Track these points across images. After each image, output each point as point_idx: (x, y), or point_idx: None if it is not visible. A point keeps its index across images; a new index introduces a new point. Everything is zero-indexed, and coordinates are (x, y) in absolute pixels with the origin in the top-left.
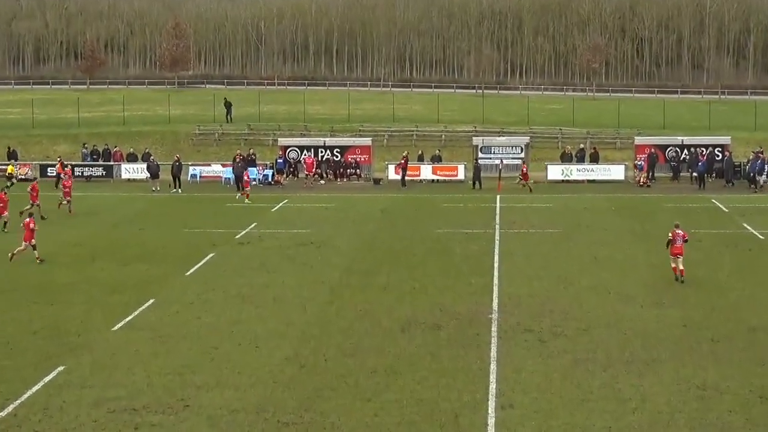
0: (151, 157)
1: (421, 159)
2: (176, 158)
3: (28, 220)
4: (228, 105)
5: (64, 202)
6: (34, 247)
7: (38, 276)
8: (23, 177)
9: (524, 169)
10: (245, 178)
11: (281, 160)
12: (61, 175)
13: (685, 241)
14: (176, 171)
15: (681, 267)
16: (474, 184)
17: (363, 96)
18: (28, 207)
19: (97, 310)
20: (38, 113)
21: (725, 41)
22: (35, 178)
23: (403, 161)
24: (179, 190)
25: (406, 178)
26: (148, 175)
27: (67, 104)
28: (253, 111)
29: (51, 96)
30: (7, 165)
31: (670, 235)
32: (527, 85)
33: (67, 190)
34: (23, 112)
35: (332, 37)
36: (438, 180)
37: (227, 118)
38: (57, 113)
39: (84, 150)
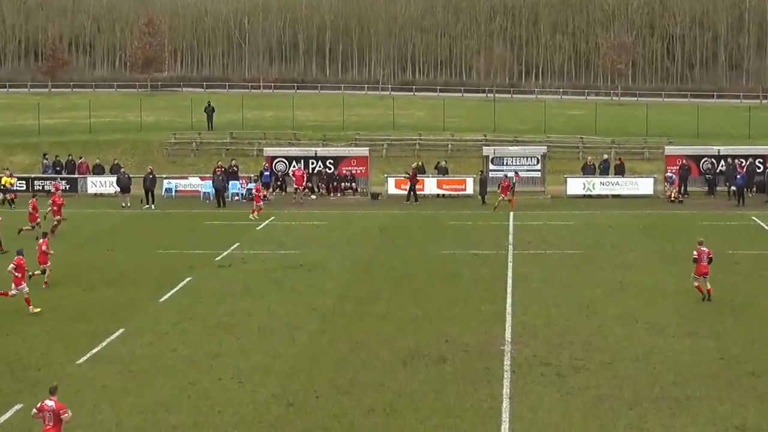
0: (122, 169)
1: (421, 171)
2: (149, 170)
3: (41, 241)
4: (210, 110)
5: (54, 221)
6: (43, 272)
7: None
8: None
9: (506, 183)
10: (255, 192)
11: (267, 173)
12: (52, 190)
13: (710, 259)
14: (149, 185)
15: (708, 286)
16: (483, 199)
17: (359, 101)
18: (28, 227)
19: (59, 341)
20: None
21: (767, 39)
22: (35, 195)
23: (412, 172)
24: (152, 206)
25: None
26: (118, 189)
27: (25, 109)
28: (236, 117)
29: (7, 100)
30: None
31: (695, 253)
32: (544, 88)
33: (56, 208)
34: None
35: (325, 34)
36: (444, 195)
37: (209, 126)
38: (14, 120)
39: (45, 161)
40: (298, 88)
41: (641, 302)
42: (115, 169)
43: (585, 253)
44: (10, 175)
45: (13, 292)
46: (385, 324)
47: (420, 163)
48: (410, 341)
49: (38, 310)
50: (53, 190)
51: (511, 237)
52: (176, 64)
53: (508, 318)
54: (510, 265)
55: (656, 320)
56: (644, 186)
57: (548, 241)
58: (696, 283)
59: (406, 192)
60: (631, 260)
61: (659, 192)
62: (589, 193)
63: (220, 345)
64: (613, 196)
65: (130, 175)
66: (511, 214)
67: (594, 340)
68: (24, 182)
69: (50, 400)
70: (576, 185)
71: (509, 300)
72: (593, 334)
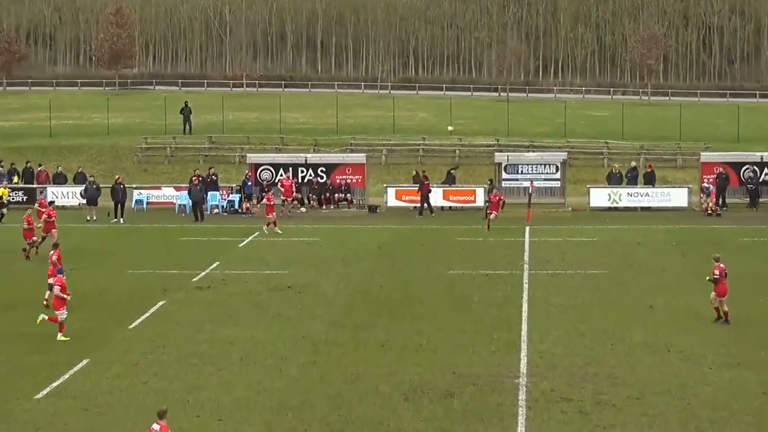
0: (90, 178)
1: (416, 181)
2: (118, 180)
3: (52, 252)
4: (187, 111)
5: (39, 239)
6: (50, 287)
7: None
8: None
9: (496, 197)
10: (266, 201)
11: (251, 183)
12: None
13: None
14: (119, 196)
15: (725, 308)
16: (487, 213)
17: (355, 100)
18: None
19: (15, 373)
20: None
21: None
22: (28, 210)
23: (422, 177)
24: (121, 219)
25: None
26: (83, 201)
27: None
28: (216, 119)
29: None
30: None
31: (716, 272)
32: (564, 86)
33: (51, 221)
34: None
35: (316, 25)
36: (451, 207)
37: (185, 128)
38: None
39: (1, 167)
40: (285, 87)
41: (674, 329)
42: (80, 178)
43: (610, 274)
44: (5, 186)
45: (63, 316)
46: (385, 354)
47: (416, 172)
48: (413, 373)
49: (67, 338)
50: (37, 206)
51: (526, 255)
52: (148, 60)
53: (524, 347)
54: (525, 287)
55: (691, 349)
56: (677, 197)
57: (569, 260)
58: (715, 305)
59: (411, 203)
60: (663, 281)
61: (694, 204)
62: (614, 205)
63: (197, 377)
64: (642, 208)
65: (99, 185)
66: (527, 229)
67: (621, 372)
68: None
69: (157, 424)
70: (600, 196)
71: (525, 327)
72: (620, 365)
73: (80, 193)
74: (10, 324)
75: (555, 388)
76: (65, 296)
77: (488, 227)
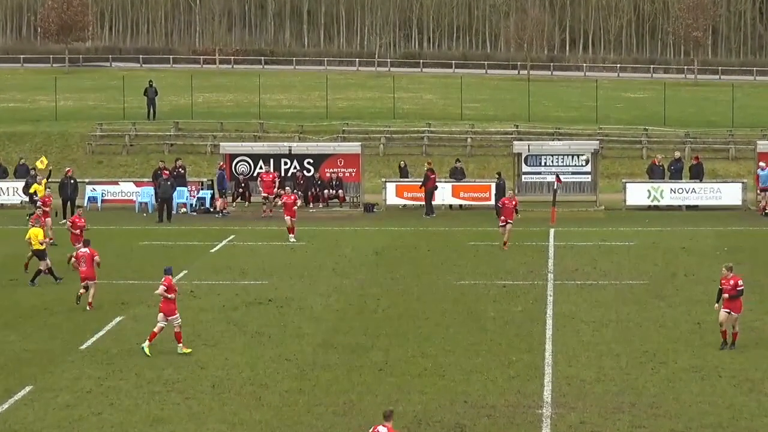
0: (32, 172)
1: (404, 174)
2: (67, 173)
3: (87, 251)
4: (153, 93)
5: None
6: (86, 288)
7: None
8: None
9: (511, 202)
10: (284, 199)
11: (225, 176)
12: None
13: (740, 291)
14: (69, 193)
15: (737, 328)
16: (498, 213)
17: (348, 80)
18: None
19: None
20: None
21: None
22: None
23: (427, 173)
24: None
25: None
26: (26, 199)
27: None
28: (183, 102)
29: None
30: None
31: (730, 284)
32: (595, 63)
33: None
34: None
35: None
36: (461, 205)
37: (149, 113)
38: None
39: None
40: (266, 64)
41: (725, 350)
42: (21, 172)
43: (650, 285)
44: (40, 182)
45: (161, 324)
46: (383, 380)
47: (404, 163)
48: (416, 403)
49: (189, 351)
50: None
51: (551, 262)
52: (103, 32)
53: (548, 372)
54: (550, 300)
55: (745, 374)
56: (729, 194)
57: (601, 269)
58: (724, 327)
59: (414, 201)
60: (712, 294)
61: (750, 202)
62: (655, 203)
63: (161, 408)
64: (688, 207)
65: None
66: (551, 231)
67: (662, 400)
68: None
69: (383, 426)
70: (638, 193)
71: (549, 348)
72: (661, 392)
73: (22, 189)
74: None
75: (585, 420)
76: (171, 296)
77: (505, 245)
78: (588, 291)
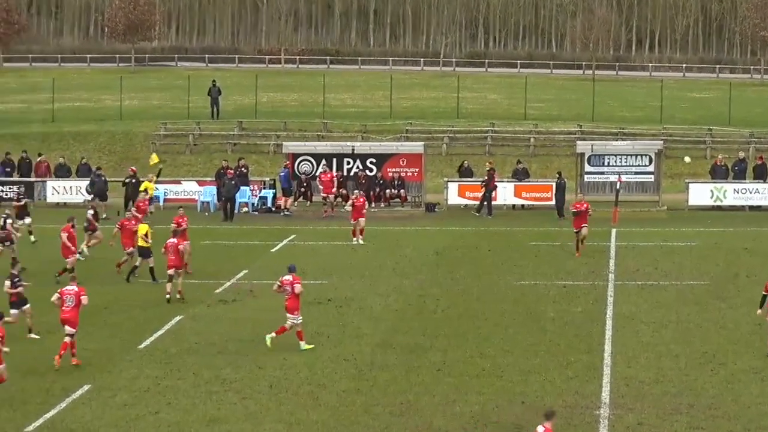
0: (98, 171)
1: (466, 173)
2: (131, 172)
3: (175, 241)
4: (216, 92)
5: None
6: (170, 278)
7: None
8: None
9: (582, 206)
10: (354, 201)
11: (289, 176)
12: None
13: None
14: (131, 192)
15: None
16: (559, 213)
17: (413, 79)
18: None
19: (2, 401)
20: None
21: None
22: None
23: (489, 172)
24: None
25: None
26: (89, 198)
27: None
28: (247, 101)
29: None
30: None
31: None
32: (660, 62)
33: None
34: None
35: None
36: (523, 206)
37: (213, 112)
38: None
39: None
40: (331, 63)
41: None
42: (82, 171)
43: (712, 286)
44: (151, 179)
45: (289, 323)
46: (441, 380)
47: (467, 163)
48: (474, 404)
49: (311, 347)
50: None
51: (612, 263)
52: (170, 31)
53: (606, 372)
54: (610, 300)
55: None
56: None
57: (662, 269)
58: None
59: (476, 201)
60: None
61: None
62: (718, 203)
63: (218, 408)
64: (751, 207)
65: (108, 179)
66: (613, 232)
67: (721, 402)
68: None
69: (542, 426)
70: (701, 193)
71: (608, 348)
72: (720, 393)
73: (86, 187)
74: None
75: (643, 421)
76: (288, 289)
77: (578, 250)
78: (649, 292)
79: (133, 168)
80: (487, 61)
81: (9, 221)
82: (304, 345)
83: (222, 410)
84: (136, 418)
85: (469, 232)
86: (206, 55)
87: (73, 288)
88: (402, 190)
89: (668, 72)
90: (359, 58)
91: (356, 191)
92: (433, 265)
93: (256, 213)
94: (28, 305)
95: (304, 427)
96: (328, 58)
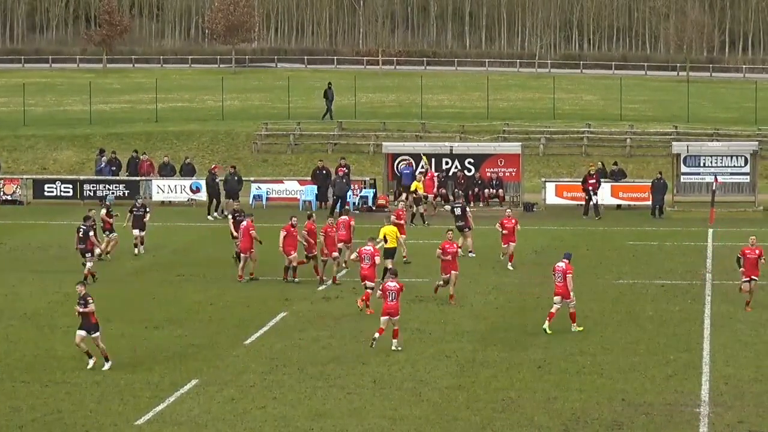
0: (231, 169)
1: (603, 174)
2: (231, 170)
3: (246, 224)
4: (332, 94)
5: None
6: (237, 257)
7: (28, 347)
8: (9, 198)
9: (751, 252)
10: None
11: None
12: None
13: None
14: (230, 188)
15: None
16: (654, 211)
17: (509, 81)
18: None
19: (113, 395)
20: (32, 104)
21: None
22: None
23: (596, 175)
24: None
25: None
26: (192, 196)
27: (73, 91)
28: (347, 102)
29: (50, 79)
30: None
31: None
32: (755, 64)
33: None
34: (9, 102)
35: None
36: (620, 205)
37: (328, 113)
38: (58, 104)
39: (101, 158)
40: (428, 65)
41: None
42: (185, 171)
43: None
44: (419, 179)
45: (557, 305)
46: (542, 377)
47: (601, 164)
48: (574, 401)
49: (581, 329)
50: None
51: (709, 262)
52: (269, 33)
53: (705, 371)
54: (708, 300)
55: None
56: None
57: (762, 268)
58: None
59: (574, 201)
60: None
61: None
62: None
63: (323, 402)
64: None
65: (241, 176)
66: (710, 232)
67: None
68: (70, 186)
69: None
70: None
71: (707, 347)
72: None
73: (222, 184)
74: (104, 340)
75: (743, 419)
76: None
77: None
78: None
79: (233, 166)
80: (581, 62)
81: (91, 233)
82: (575, 327)
83: (327, 405)
84: (243, 413)
85: (567, 232)
86: (305, 57)
87: (369, 248)
88: (500, 190)
89: (762, 74)
90: (455, 60)
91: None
92: (532, 263)
93: (358, 212)
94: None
95: (407, 422)
96: (425, 59)
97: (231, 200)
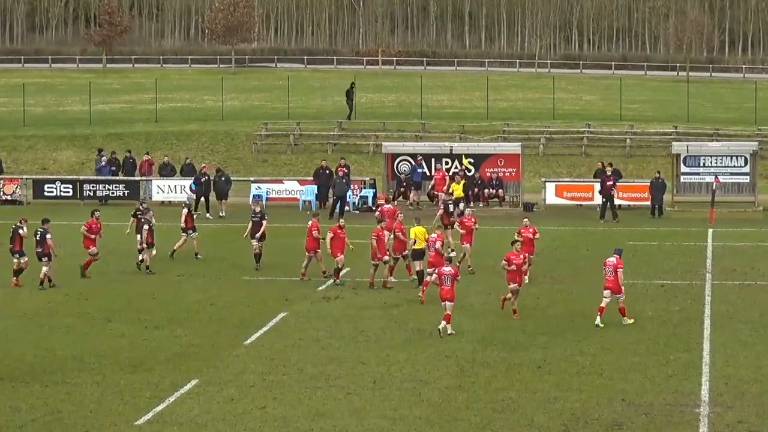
0: (219, 173)
1: (618, 175)
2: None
3: (311, 223)
4: (352, 94)
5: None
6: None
7: (28, 347)
8: (8, 198)
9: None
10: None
11: (420, 171)
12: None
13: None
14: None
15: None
16: (653, 211)
17: (509, 80)
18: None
19: (113, 395)
20: (32, 104)
21: None
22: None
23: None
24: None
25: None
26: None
27: (73, 91)
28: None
29: (50, 79)
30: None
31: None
32: (754, 64)
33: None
34: (9, 103)
35: None
36: (620, 205)
37: (351, 112)
38: (58, 104)
39: (101, 158)
40: (428, 65)
41: None
42: (186, 171)
43: None
44: (458, 181)
45: (606, 299)
46: (542, 378)
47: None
48: (574, 401)
49: (632, 320)
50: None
51: (709, 262)
52: (269, 33)
53: (705, 371)
54: (708, 299)
55: None
56: None
57: (759, 269)
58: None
59: (573, 201)
60: None
61: None
62: None
63: (323, 402)
64: None
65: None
66: (710, 232)
67: None
68: (70, 186)
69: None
70: None
71: (707, 347)
72: None
73: (211, 186)
74: (104, 341)
75: (743, 419)
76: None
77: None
78: (746, 291)
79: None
80: (581, 62)
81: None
82: (626, 320)
83: (327, 405)
84: (243, 413)
85: (567, 232)
86: (305, 57)
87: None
88: (500, 190)
89: (762, 74)
90: (455, 60)
91: (467, 211)
92: (533, 264)
93: (357, 212)
94: None
95: (407, 422)
96: (424, 59)
97: (222, 201)
